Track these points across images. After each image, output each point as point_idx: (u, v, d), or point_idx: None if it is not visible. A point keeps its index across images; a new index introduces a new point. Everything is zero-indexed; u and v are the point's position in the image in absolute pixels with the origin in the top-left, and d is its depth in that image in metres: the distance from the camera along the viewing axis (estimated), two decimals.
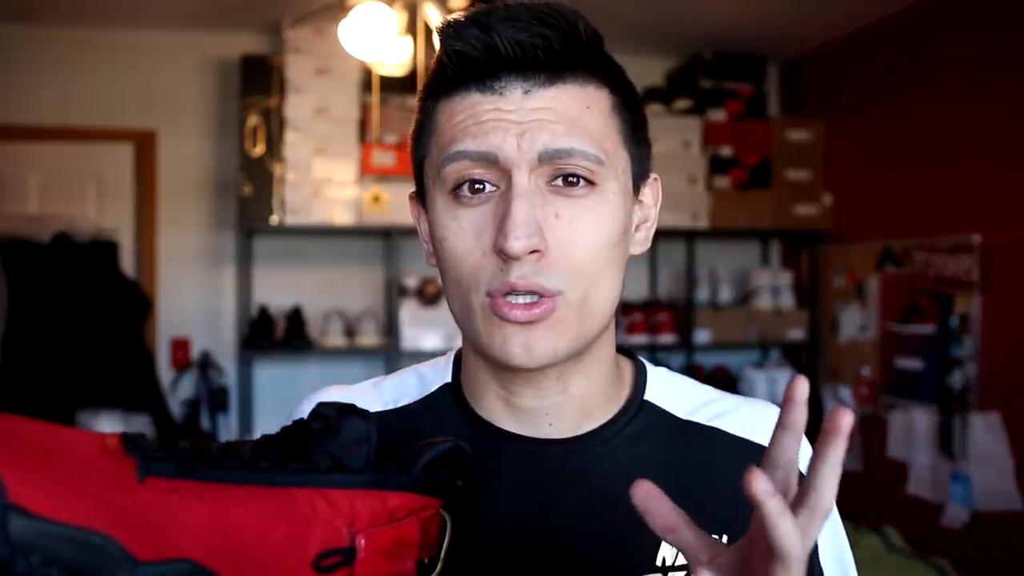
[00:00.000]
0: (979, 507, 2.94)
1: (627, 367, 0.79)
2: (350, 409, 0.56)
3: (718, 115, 3.81)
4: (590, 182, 0.66)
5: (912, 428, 3.23)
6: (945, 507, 3.06)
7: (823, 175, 3.85)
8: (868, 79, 3.59)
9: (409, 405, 0.78)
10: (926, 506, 3.16)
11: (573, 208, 0.66)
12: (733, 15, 3.46)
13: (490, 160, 0.65)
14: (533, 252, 0.64)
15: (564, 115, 0.65)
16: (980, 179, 3.01)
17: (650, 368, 0.79)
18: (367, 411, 0.57)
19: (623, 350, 0.80)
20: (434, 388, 0.78)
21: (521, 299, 0.65)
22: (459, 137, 0.66)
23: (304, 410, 0.70)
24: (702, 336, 3.78)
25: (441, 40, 0.67)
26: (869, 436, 3.52)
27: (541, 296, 0.65)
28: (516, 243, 0.62)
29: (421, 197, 0.74)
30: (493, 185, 0.66)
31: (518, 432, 0.73)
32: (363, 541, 0.53)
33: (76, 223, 3.35)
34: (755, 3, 3.34)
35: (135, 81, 3.64)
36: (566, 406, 0.73)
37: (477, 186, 0.66)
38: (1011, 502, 2.85)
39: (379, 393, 0.79)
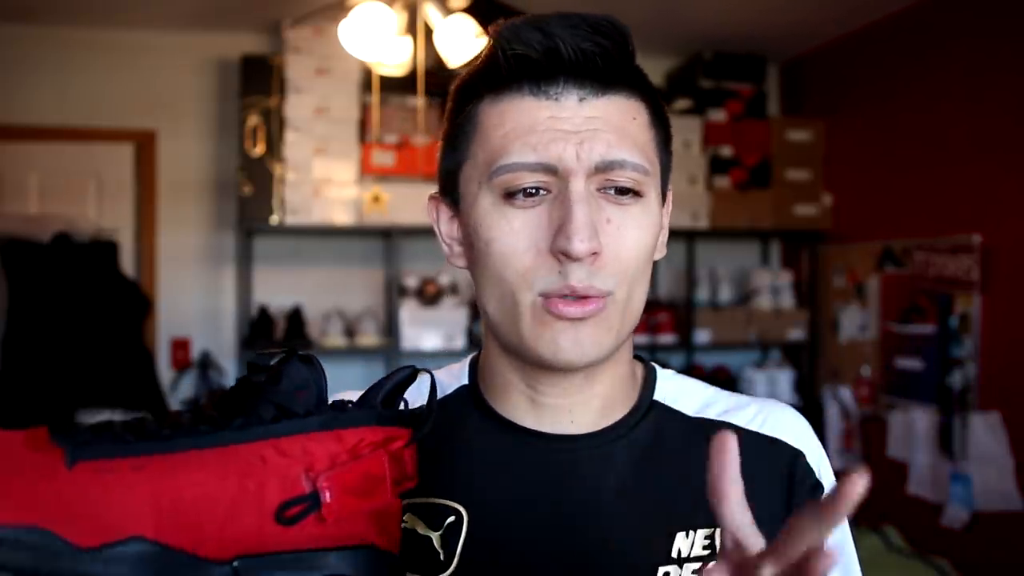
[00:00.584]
0: (979, 507, 2.94)
1: (639, 369, 0.81)
2: (292, 354, 0.55)
3: (718, 115, 3.81)
4: (637, 192, 0.69)
5: (912, 428, 3.23)
6: (945, 507, 3.06)
7: (823, 175, 3.85)
8: (868, 79, 3.59)
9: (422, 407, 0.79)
10: (926, 506, 3.16)
11: (622, 214, 0.68)
12: (733, 15, 3.46)
13: (549, 170, 0.67)
14: (592, 254, 0.66)
15: (615, 125, 0.68)
16: (981, 179, 3.01)
17: (659, 370, 0.82)
18: (311, 354, 0.56)
19: (635, 355, 0.82)
20: (449, 391, 0.79)
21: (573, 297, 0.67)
22: (514, 147, 0.67)
23: None
24: (702, 336, 3.78)
25: (497, 42, 0.68)
26: (869, 436, 3.52)
27: (591, 296, 0.67)
28: (580, 245, 0.64)
29: (452, 198, 0.74)
30: (546, 189, 0.68)
31: (538, 429, 0.75)
32: (325, 484, 0.51)
33: (76, 223, 3.34)
34: (755, 3, 3.34)
35: (135, 81, 3.64)
36: (589, 404, 0.74)
37: (531, 190, 0.68)
38: (1011, 502, 2.85)
39: None
